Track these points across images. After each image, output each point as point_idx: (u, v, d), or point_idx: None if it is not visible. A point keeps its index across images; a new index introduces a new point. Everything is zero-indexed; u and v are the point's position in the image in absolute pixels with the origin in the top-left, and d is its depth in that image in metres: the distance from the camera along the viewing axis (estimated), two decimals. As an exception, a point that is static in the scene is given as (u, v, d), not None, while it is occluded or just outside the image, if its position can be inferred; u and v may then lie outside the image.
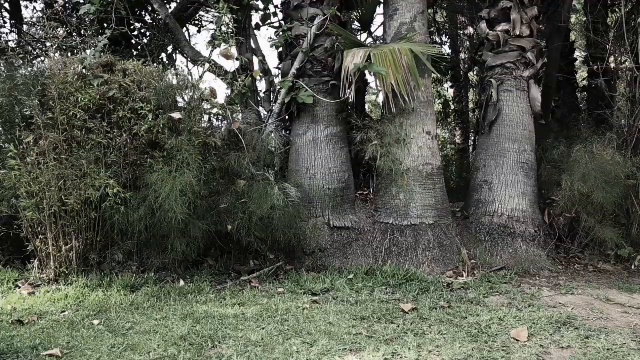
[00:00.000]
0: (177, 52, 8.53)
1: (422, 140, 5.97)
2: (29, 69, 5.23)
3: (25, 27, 8.80)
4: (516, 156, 6.32)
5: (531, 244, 6.02)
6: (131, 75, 5.05)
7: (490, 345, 3.51)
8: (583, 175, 5.85)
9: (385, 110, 5.87)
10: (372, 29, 7.61)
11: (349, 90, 5.61)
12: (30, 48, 8.08)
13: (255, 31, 6.83)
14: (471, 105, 12.65)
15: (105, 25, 6.65)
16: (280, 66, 6.56)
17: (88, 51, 5.23)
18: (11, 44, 7.81)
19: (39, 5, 8.78)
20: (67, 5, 7.64)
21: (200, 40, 30.94)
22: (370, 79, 7.01)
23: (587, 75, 10.35)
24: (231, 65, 6.06)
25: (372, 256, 5.75)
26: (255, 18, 6.87)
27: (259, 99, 6.65)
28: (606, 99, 7.40)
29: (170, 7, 8.26)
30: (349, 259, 5.74)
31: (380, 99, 6.48)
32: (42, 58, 7.65)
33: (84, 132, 4.84)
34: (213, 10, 8.23)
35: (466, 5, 10.20)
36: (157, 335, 3.58)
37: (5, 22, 8.92)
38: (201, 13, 9.46)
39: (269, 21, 6.83)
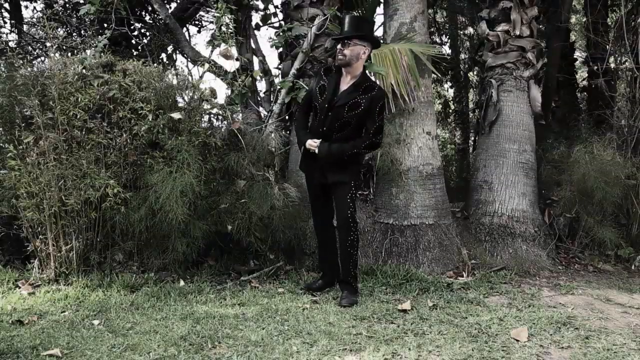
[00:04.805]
0: (177, 52, 8.53)
1: (422, 140, 5.97)
2: (29, 69, 5.22)
3: (25, 27, 8.81)
4: (516, 156, 6.32)
5: (531, 244, 6.02)
6: (131, 75, 5.04)
7: (490, 345, 3.52)
8: (583, 176, 5.86)
9: (385, 111, 5.86)
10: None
11: (349, 90, 5.60)
12: (30, 48, 8.09)
13: (255, 31, 6.83)
14: (471, 105, 12.65)
15: (105, 25, 6.66)
16: (280, 66, 6.56)
17: (88, 51, 5.23)
18: (11, 44, 7.81)
19: (39, 5, 8.78)
20: (67, 5, 7.64)
21: (200, 40, 30.99)
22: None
23: (587, 75, 10.35)
24: (231, 65, 6.06)
25: (372, 256, 5.75)
26: (255, 18, 6.88)
27: (259, 99, 6.64)
28: (606, 99, 7.40)
29: (170, 7, 8.26)
30: (349, 259, 5.73)
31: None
32: (42, 58, 7.66)
33: (84, 132, 4.84)
34: (213, 10, 8.23)
35: (466, 5, 10.20)
36: (157, 335, 3.58)
37: (5, 22, 8.92)
38: (201, 13, 9.46)
39: (269, 21, 6.83)
